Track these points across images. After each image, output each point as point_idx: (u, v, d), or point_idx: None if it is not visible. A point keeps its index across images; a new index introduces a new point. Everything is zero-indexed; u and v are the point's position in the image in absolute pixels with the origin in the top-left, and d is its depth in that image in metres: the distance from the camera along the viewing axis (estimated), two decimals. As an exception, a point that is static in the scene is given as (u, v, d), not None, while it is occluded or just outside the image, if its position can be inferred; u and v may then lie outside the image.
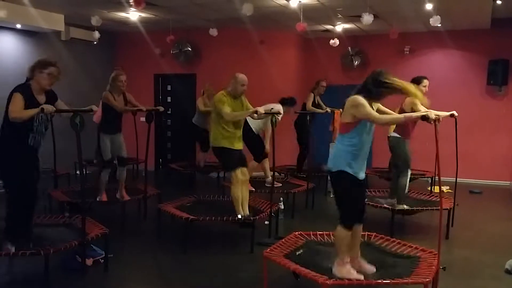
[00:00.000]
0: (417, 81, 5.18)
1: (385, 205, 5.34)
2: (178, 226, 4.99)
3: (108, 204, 5.65)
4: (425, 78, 5.37)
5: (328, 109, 7.73)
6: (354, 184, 3.43)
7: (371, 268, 3.52)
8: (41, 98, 3.85)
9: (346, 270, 3.36)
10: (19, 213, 3.86)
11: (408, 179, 5.41)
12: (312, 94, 7.75)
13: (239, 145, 4.98)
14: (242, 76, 4.98)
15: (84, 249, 3.88)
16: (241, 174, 4.89)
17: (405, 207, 5.34)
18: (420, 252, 3.75)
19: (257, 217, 4.80)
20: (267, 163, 6.48)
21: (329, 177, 3.80)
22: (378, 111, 3.43)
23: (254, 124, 6.15)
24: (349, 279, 3.24)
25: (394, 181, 5.50)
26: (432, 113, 3.22)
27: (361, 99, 3.31)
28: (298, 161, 7.95)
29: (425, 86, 5.32)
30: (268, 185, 6.26)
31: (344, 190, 3.47)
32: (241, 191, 4.90)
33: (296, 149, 8.07)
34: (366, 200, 4.43)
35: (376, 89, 3.34)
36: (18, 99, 3.68)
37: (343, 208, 3.50)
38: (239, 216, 4.82)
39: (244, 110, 5.02)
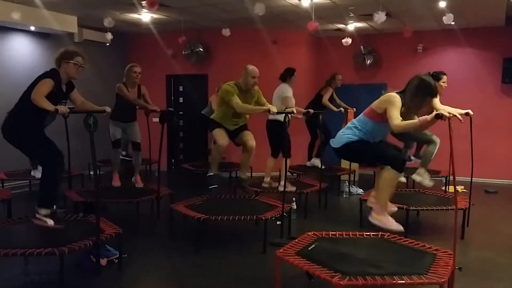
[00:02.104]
0: (435, 77, 5.11)
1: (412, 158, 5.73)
2: (190, 225, 5.00)
3: (122, 198, 5.69)
4: (444, 74, 5.36)
5: (342, 109, 7.69)
6: (366, 143, 3.64)
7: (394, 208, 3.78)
8: (64, 88, 4.03)
9: (387, 220, 3.40)
10: (55, 177, 4.04)
11: (437, 145, 5.54)
12: (331, 88, 7.71)
13: (230, 127, 5.26)
14: (252, 68, 5.02)
15: (98, 249, 3.90)
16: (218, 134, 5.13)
17: (426, 176, 5.58)
18: (435, 252, 3.70)
19: (269, 217, 4.79)
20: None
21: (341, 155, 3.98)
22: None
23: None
24: (389, 230, 3.35)
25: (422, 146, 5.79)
26: (446, 111, 3.22)
27: (398, 100, 3.46)
28: (308, 149, 7.96)
29: (444, 82, 5.31)
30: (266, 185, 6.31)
31: (364, 148, 3.65)
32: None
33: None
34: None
35: (420, 95, 3.50)
36: (48, 84, 3.79)
37: (382, 158, 3.62)
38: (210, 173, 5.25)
39: (255, 104, 5.08)
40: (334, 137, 3.95)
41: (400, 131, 3.72)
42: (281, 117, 5.88)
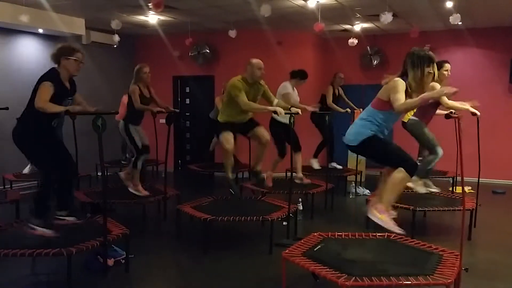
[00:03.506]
0: (437, 65, 5.06)
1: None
2: (197, 226, 5.02)
3: (129, 199, 5.71)
4: (447, 62, 5.34)
5: (348, 109, 7.67)
6: (382, 138, 3.62)
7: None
8: (67, 85, 4.00)
9: (388, 221, 3.39)
10: (62, 186, 4.06)
11: (438, 158, 5.39)
12: (332, 87, 7.73)
13: (235, 121, 5.19)
14: (257, 61, 5.05)
15: (105, 250, 3.92)
16: (224, 138, 5.10)
17: (419, 183, 5.41)
18: (441, 252, 3.69)
19: (275, 217, 4.80)
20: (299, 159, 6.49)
21: (357, 152, 4.01)
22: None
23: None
24: (391, 231, 3.34)
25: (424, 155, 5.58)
26: (447, 89, 3.29)
27: (401, 83, 3.47)
28: (317, 147, 7.91)
29: (446, 70, 5.29)
30: (298, 181, 6.41)
31: (381, 147, 3.62)
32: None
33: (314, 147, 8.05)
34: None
35: (416, 68, 3.50)
36: (48, 88, 3.75)
37: (396, 160, 3.58)
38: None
39: (262, 98, 5.11)
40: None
41: (403, 111, 3.64)
42: (285, 119, 5.89)
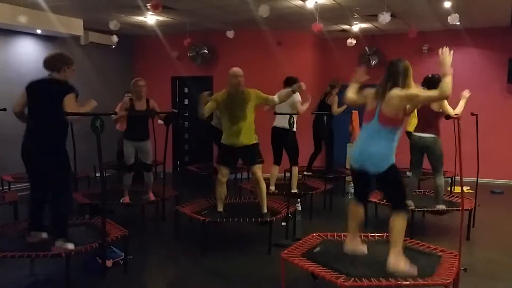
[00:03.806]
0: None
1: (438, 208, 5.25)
2: (196, 227, 5.01)
3: (129, 206, 5.70)
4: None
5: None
6: (396, 170, 3.51)
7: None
8: None
9: (405, 264, 3.32)
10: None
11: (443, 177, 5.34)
12: (335, 96, 7.54)
13: (233, 141, 4.89)
14: (234, 69, 4.89)
15: (104, 251, 3.92)
16: (220, 171, 4.95)
17: (443, 207, 5.25)
18: (440, 253, 3.70)
19: (274, 218, 4.80)
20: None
21: (378, 178, 3.59)
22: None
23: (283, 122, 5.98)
24: (405, 277, 3.18)
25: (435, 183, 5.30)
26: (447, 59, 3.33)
27: (412, 90, 3.41)
28: (309, 159, 7.83)
29: None
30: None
31: (399, 180, 3.52)
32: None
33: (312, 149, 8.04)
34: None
35: (409, 77, 3.47)
36: (74, 100, 3.79)
37: (403, 196, 3.52)
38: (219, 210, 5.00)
39: (260, 103, 5.02)
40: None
41: (449, 92, 3.38)
42: (286, 124, 5.82)
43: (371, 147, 3.44)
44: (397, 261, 3.32)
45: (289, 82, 6.07)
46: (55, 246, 3.73)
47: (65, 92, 3.74)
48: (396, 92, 3.40)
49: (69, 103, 3.70)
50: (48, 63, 3.92)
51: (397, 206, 3.43)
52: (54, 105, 3.70)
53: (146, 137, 5.63)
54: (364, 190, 3.76)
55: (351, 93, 3.86)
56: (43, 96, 3.80)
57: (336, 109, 7.30)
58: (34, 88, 3.86)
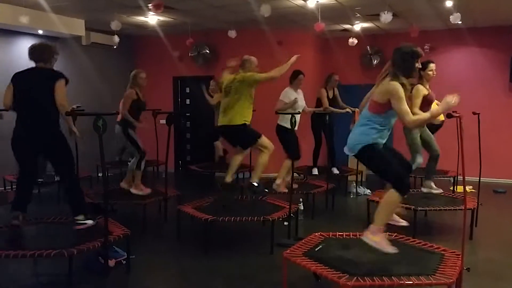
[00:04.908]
0: (422, 65, 4.91)
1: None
2: (198, 227, 5.02)
3: (130, 200, 5.70)
4: (431, 62, 5.28)
5: (349, 109, 7.61)
6: (381, 150, 3.51)
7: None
8: None
9: (382, 241, 3.35)
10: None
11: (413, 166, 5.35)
12: (325, 90, 7.51)
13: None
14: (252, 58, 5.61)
15: (106, 250, 3.92)
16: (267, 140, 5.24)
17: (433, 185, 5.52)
18: (443, 252, 3.69)
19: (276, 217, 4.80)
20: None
21: (357, 159, 3.89)
22: None
23: (286, 121, 6.01)
24: (385, 251, 3.31)
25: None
26: (451, 98, 3.21)
27: (399, 88, 3.32)
28: (313, 156, 7.84)
29: (431, 70, 5.23)
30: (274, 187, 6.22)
31: (378, 160, 3.51)
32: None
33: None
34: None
35: (407, 64, 3.44)
36: (64, 86, 3.91)
37: (390, 176, 3.51)
38: (255, 184, 5.25)
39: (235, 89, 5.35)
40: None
41: (415, 128, 3.57)
42: (286, 124, 5.88)
43: (352, 132, 3.65)
44: (373, 237, 3.43)
45: (294, 75, 6.49)
46: (77, 221, 4.03)
47: (56, 77, 3.86)
48: (389, 83, 3.42)
49: (60, 88, 3.81)
50: (36, 54, 4.02)
51: (392, 185, 3.48)
52: (47, 91, 3.84)
53: None
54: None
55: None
56: (36, 83, 3.90)
57: (326, 105, 7.38)
58: (24, 78, 3.96)
